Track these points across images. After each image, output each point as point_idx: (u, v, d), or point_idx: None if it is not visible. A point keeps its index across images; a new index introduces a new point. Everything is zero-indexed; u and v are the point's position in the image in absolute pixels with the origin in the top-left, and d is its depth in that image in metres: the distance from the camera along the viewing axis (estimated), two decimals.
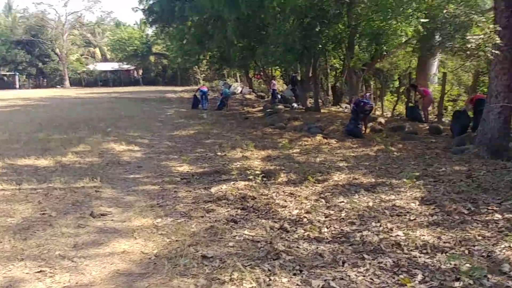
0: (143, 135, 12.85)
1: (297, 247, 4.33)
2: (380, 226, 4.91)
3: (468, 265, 3.73)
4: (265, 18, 14.32)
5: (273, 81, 24.88)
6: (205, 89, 23.76)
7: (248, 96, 29.55)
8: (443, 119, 15.54)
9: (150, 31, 47.65)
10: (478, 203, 5.79)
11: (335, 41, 14.64)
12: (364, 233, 4.70)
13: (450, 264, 3.79)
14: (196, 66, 43.67)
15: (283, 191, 6.48)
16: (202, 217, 5.40)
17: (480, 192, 6.35)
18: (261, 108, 21.15)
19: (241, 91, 32.19)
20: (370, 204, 5.83)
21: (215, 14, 17.36)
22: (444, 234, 4.66)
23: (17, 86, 54.47)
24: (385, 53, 14.90)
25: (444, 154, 9.58)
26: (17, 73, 55.73)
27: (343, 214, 5.41)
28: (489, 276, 3.54)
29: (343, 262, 3.93)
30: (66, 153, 9.52)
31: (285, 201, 6.02)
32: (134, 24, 61.33)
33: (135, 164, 8.92)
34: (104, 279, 3.75)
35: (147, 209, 5.79)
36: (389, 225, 4.91)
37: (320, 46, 14.05)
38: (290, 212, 5.52)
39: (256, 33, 17.30)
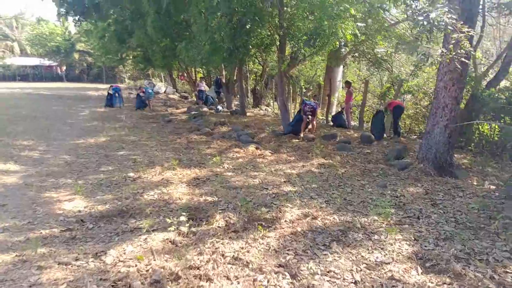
0: (36, 145, 9.19)
1: None
2: None
3: None
4: (190, 12, 11.46)
5: (202, 83, 22.12)
6: (118, 86, 20.53)
7: (171, 96, 26.55)
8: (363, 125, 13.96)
9: (73, 28, 42.25)
10: (489, 261, 3.84)
11: (266, 42, 12.21)
12: None
13: None
14: (122, 65, 39.37)
15: (222, 255, 3.79)
16: None
17: (470, 235, 4.42)
18: (185, 109, 18.20)
19: (165, 91, 29.18)
20: (357, 276, 3.45)
21: (134, 9, 14.48)
22: None
23: None
24: (302, 58, 12.91)
25: (389, 169, 7.78)
26: None
27: None
28: None
29: None
30: None
31: (229, 279, 3.37)
32: (57, 21, 54.43)
33: None
34: None
35: None
36: None
37: (250, 46, 11.61)
38: None
39: (179, 32, 14.49)
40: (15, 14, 57.08)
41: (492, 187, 6.59)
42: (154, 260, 3.68)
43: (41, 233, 4.40)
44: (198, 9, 11.28)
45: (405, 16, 13.06)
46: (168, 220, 4.42)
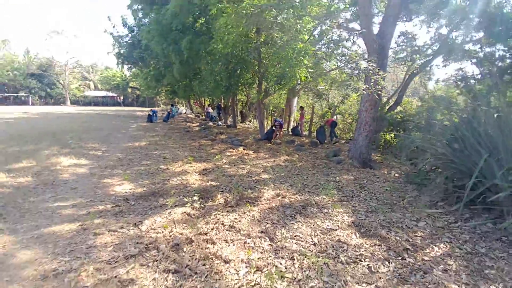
0: (100, 147, 8.46)
1: None
2: None
3: None
4: (201, 62, 11.05)
5: (208, 107, 22.30)
6: (155, 109, 20.23)
7: (189, 115, 25.79)
8: (311, 134, 13.69)
9: (127, 72, 41.35)
10: (403, 227, 3.47)
11: (250, 81, 11.79)
12: None
13: None
14: (158, 96, 38.68)
15: (222, 223, 3.37)
16: None
17: (388, 209, 4.07)
18: (198, 124, 17.58)
19: (185, 112, 28.47)
20: (315, 239, 3.06)
21: (166, 60, 13.88)
22: None
23: (30, 104, 44.11)
24: (272, 92, 12.60)
25: (329, 163, 7.38)
26: (30, 95, 45.58)
27: (297, 266, 2.55)
28: None
29: None
30: None
31: (227, 242, 2.95)
32: (116, 68, 53.43)
33: (70, 184, 4.95)
34: None
35: (31, 285, 2.21)
36: None
37: (240, 84, 11.16)
38: (237, 273, 2.44)
39: (194, 75, 13.97)
40: (91, 64, 57.40)
41: (397, 175, 6.33)
42: (175, 228, 3.23)
43: (98, 208, 3.90)
44: (206, 61, 10.88)
45: (336, 65, 13.01)
46: (185, 199, 3.96)
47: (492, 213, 3.78)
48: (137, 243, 2.89)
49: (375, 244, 2.97)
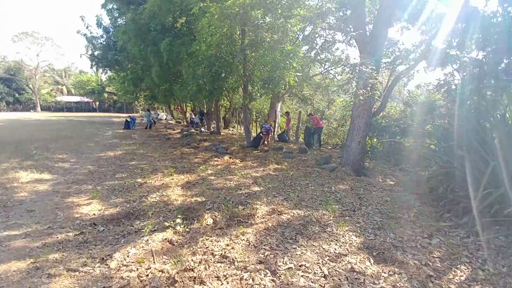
0: (68, 158, 7.54)
1: None
2: None
3: None
4: (182, 65, 10.41)
5: (191, 113, 21.59)
6: (134, 116, 19.78)
7: (170, 121, 24.86)
8: (299, 140, 13.35)
9: (104, 76, 39.57)
10: (417, 246, 3.07)
11: (235, 85, 11.26)
12: None
13: None
14: (136, 101, 37.18)
15: (212, 253, 2.80)
16: None
17: (395, 224, 3.69)
18: (179, 130, 16.80)
19: (166, 118, 27.49)
20: (324, 270, 2.57)
21: (144, 63, 13.10)
22: None
23: None
24: (259, 96, 12.20)
25: (321, 171, 6.96)
26: None
27: None
28: None
29: None
30: None
31: (219, 280, 2.39)
32: (92, 72, 51.00)
33: (27, 206, 4.17)
34: None
35: None
36: None
37: (224, 88, 10.62)
38: None
39: (175, 79, 13.26)
40: (64, 68, 54.46)
41: (391, 183, 6.04)
42: (154, 263, 2.62)
43: (57, 237, 3.22)
44: (188, 63, 10.27)
45: (321, 70, 12.80)
46: (166, 222, 3.35)
47: (503, 225, 3.50)
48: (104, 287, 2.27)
49: (394, 272, 2.54)
